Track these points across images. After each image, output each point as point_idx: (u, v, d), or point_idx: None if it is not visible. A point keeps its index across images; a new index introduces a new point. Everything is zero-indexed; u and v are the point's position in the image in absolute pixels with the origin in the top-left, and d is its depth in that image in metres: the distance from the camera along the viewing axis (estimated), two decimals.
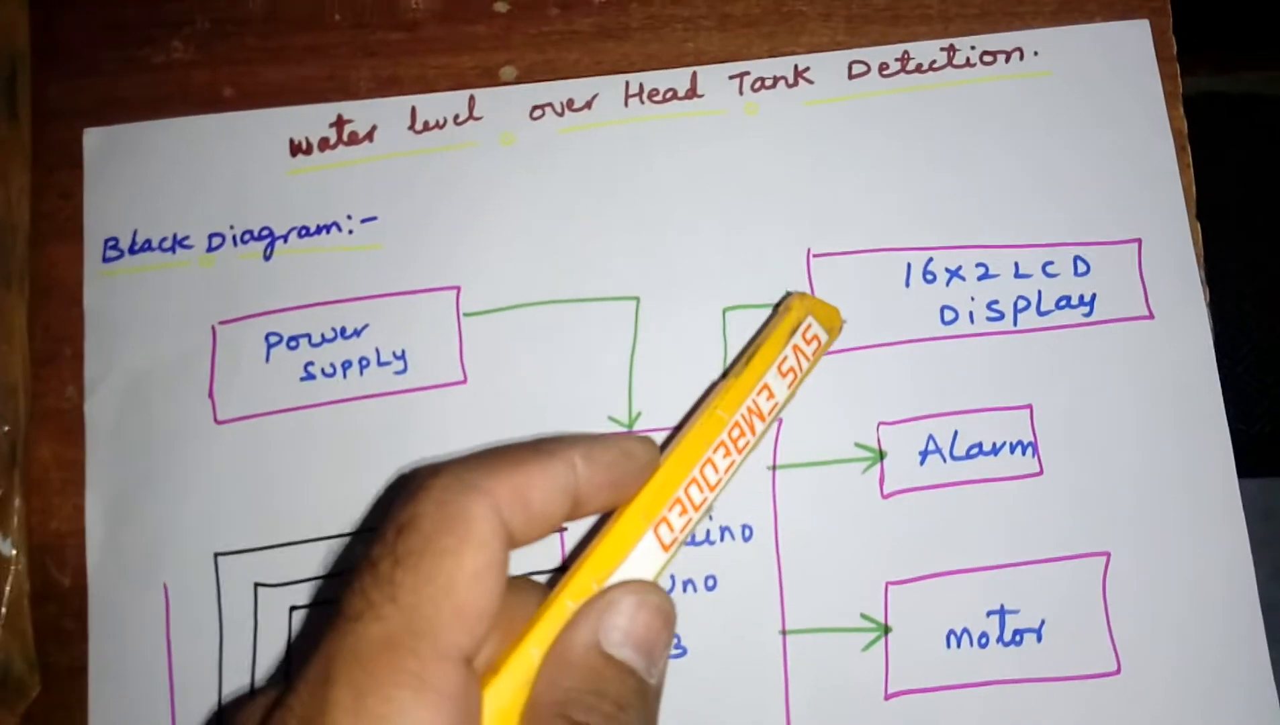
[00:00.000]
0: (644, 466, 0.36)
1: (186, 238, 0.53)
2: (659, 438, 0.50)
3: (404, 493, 0.31)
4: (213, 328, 0.53)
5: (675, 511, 0.36)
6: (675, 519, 0.36)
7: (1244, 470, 0.50)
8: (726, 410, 0.39)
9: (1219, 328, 0.51)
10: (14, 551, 0.50)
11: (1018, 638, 0.49)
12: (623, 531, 0.35)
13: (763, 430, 0.40)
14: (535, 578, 0.45)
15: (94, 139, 0.55)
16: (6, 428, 0.50)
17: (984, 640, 0.49)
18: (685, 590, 0.50)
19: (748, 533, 0.50)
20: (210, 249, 0.53)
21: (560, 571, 0.34)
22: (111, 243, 0.53)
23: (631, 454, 0.35)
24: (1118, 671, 0.49)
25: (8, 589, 0.49)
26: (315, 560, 0.50)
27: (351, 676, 0.27)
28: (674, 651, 0.49)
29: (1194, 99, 0.53)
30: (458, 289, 0.52)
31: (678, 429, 0.39)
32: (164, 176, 0.54)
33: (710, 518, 0.36)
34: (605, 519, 0.36)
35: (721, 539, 0.50)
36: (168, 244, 0.53)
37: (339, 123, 0.54)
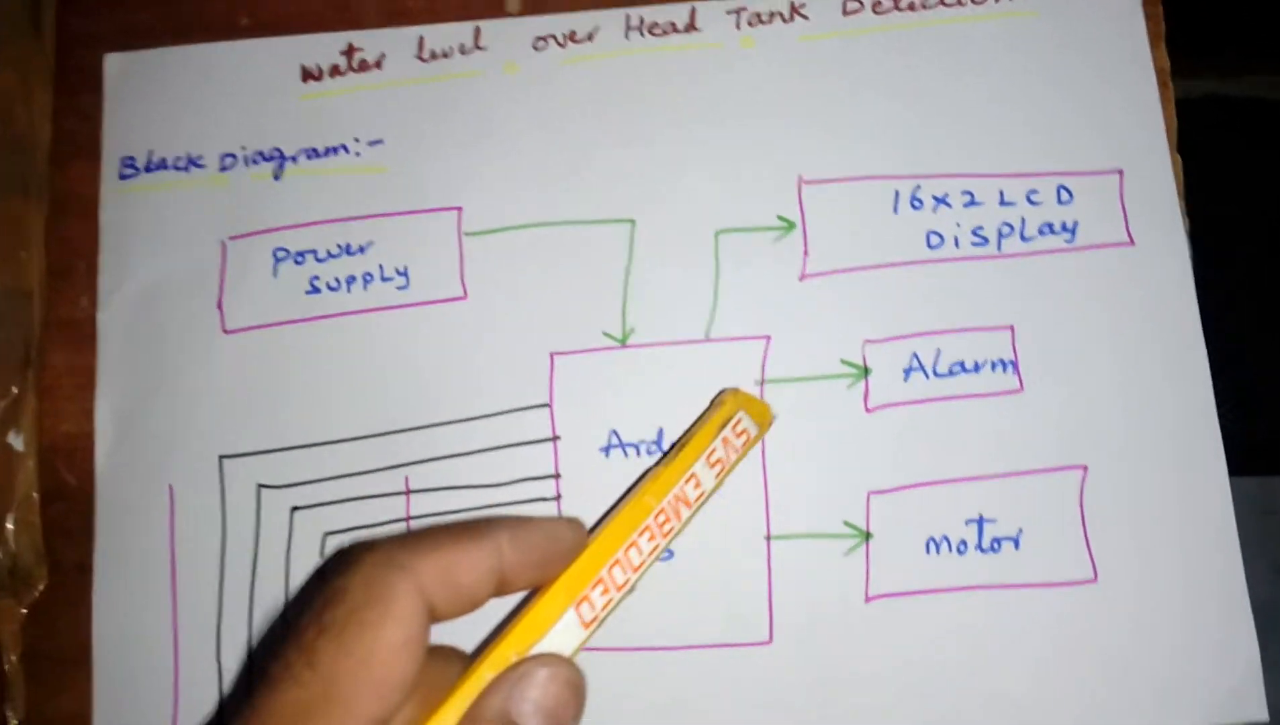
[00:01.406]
0: (570, 548, 0.37)
1: (200, 157, 0.55)
2: (649, 353, 0.52)
3: (338, 566, 0.32)
4: (223, 243, 0.54)
5: (597, 591, 0.37)
6: (597, 598, 0.37)
7: (1234, 468, 0.51)
8: (654, 497, 0.41)
9: (1216, 335, 0.52)
10: (25, 448, 0.51)
11: (995, 545, 0.50)
12: (545, 609, 0.36)
13: (688, 516, 0.42)
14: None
15: (114, 64, 0.57)
16: (22, 330, 0.52)
17: (962, 547, 0.50)
18: None
19: None
20: (223, 169, 0.55)
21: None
22: (128, 161, 0.56)
23: (557, 537, 0.37)
24: (1094, 579, 0.50)
25: (19, 483, 0.51)
26: (317, 463, 0.52)
27: None
28: (662, 557, 0.51)
29: (1197, 102, 0.55)
30: (459, 210, 0.54)
31: (609, 512, 0.41)
32: (180, 100, 0.56)
33: (632, 592, 0.38)
34: (534, 594, 0.37)
35: None
36: (182, 163, 0.55)
37: (349, 51, 0.56)
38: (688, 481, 0.42)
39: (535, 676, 0.33)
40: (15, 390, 0.52)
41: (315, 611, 0.31)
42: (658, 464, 0.42)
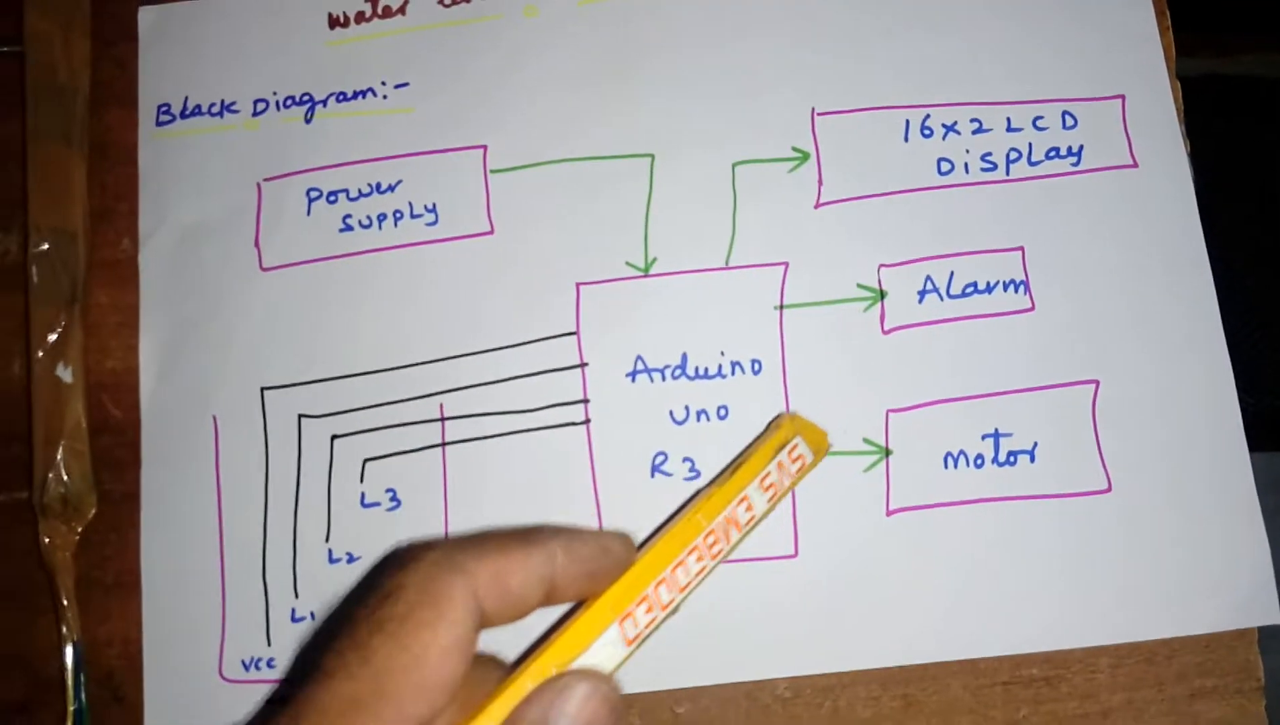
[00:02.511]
0: (619, 562, 0.37)
1: (233, 103, 0.57)
2: (671, 281, 0.54)
3: (396, 562, 0.33)
4: (258, 185, 0.56)
5: (642, 608, 0.36)
6: (641, 615, 0.36)
7: (1253, 444, 0.52)
8: (706, 517, 0.40)
9: (1226, 308, 0.53)
10: (73, 379, 0.53)
11: (1011, 458, 0.52)
12: (589, 622, 0.35)
13: (737, 539, 0.41)
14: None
15: (148, 16, 0.59)
16: (69, 269, 0.54)
17: (979, 461, 0.52)
18: (699, 420, 0.53)
19: (757, 367, 0.53)
20: (255, 113, 0.57)
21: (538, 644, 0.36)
22: (164, 108, 0.58)
23: (608, 550, 0.36)
24: (1109, 490, 0.52)
25: (68, 413, 0.53)
26: (354, 393, 0.54)
27: None
28: (688, 476, 0.53)
29: (1193, 80, 0.56)
30: (484, 148, 0.56)
31: (661, 528, 0.41)
32: (212, 49, 0.58)
33: (676, 613, 0.39)
34: (578, 607, 0.37)
35: (732, 373, 0.53)
36: (216, 109, 0.57)
37: None
38: (739, 503, 0.41)
39: (575, 690, 0.33)
40: (64, 322, 0.54)
41: (370, 608, 0.31)
42: (710, 484, 0.42)
